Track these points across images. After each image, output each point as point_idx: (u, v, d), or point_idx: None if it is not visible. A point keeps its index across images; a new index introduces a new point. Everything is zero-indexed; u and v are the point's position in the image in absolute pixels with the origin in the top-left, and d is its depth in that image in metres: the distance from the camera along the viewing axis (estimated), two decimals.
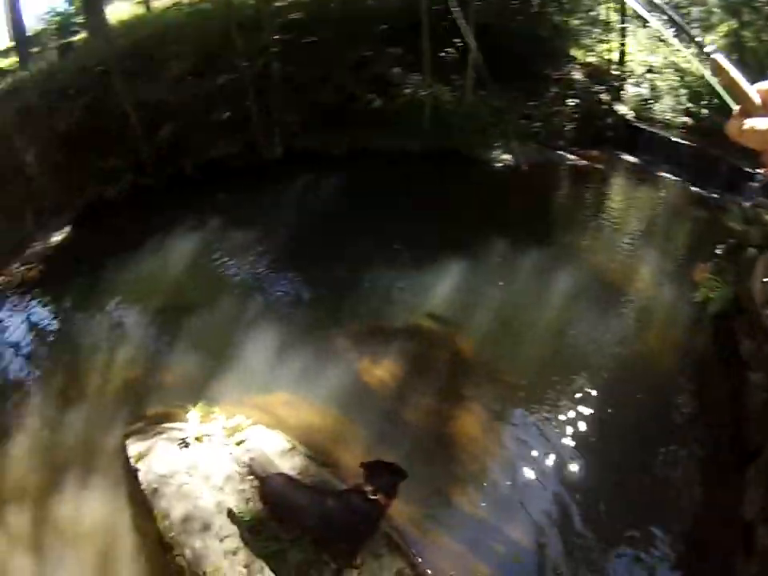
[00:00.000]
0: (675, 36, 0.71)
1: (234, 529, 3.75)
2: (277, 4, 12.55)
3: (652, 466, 4.81)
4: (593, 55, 14.56)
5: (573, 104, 12.93)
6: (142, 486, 4.20)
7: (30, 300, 7.93)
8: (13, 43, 16.36)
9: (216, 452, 4.37)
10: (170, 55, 11.04)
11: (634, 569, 3.91)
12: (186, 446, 4.38)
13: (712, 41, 15.42)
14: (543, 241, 8.17)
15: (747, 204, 7.35)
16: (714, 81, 0.69)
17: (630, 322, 6.64)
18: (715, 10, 14.17)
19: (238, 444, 4.42)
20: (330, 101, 10.85)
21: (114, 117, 10.06)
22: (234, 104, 10.40)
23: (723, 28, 14.36)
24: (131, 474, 4.42)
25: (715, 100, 12.71)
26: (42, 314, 7.67)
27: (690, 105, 13.11)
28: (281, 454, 4.40)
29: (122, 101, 10.04)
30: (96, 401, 5.68)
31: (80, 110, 10.33)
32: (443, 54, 12.16)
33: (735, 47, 13.27)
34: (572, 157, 12.15)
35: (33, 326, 7.40)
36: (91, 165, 9.84)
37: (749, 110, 0.66)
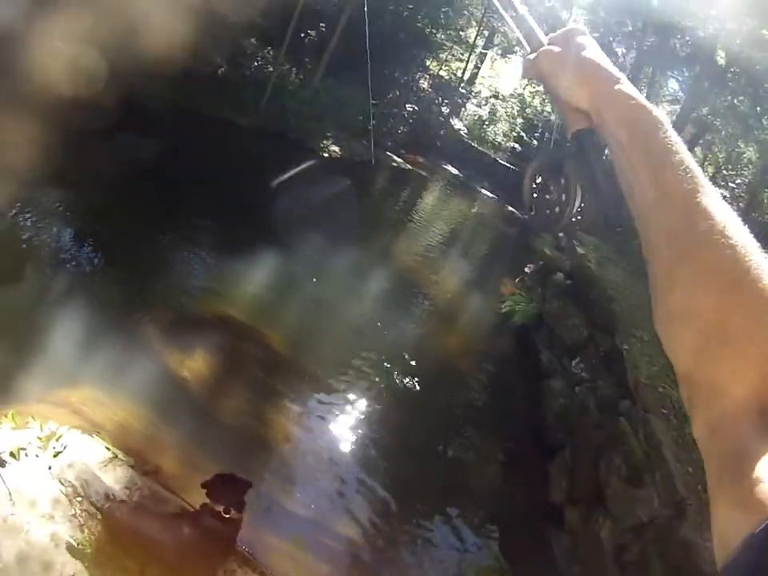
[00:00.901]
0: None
1: (78, 565, 3.23)
2: None
3: (460, 457, 5.32)
4: (446, 70, 15.52)
5: (411, 110, 13.68)
6: None
7: None
8: None
9: (35, 470, 3.65)
10: None
11: (455, 545, 4.33)
12: (3, 466, 3.57)
13: None
14: (359, 237, 8.29)
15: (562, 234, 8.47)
16: (514, 28, 0.74)
17: (436, 325, 7.16)
18: None
19: (55, 456, 3.78)
20: (176, 58, 9.77)
21: None
22: None
23: None
24: None
25: (546, 133, 14.57)
26: None
27: (522, 133, 14.76)
28: (102, 465, 3.87)
29: None
30: None
31: None
32: (304, 34, 11.81)
33: None
34: (398, 159, 12.76)
35: None
36: None
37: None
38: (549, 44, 0.70)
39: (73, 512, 3.64)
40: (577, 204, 0.66)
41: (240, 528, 3.28)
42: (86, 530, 3.46)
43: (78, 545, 3.35)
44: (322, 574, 3.83)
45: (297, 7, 10.51)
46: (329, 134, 11.37)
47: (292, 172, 9.62)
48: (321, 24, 12.08)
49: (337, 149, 11.32)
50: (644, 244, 0.55)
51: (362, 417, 5.09)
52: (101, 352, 4.69)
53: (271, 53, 11.36)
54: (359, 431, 4.93)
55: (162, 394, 4.58)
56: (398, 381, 5.69)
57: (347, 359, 5.75)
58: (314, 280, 6.81)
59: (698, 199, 0.51)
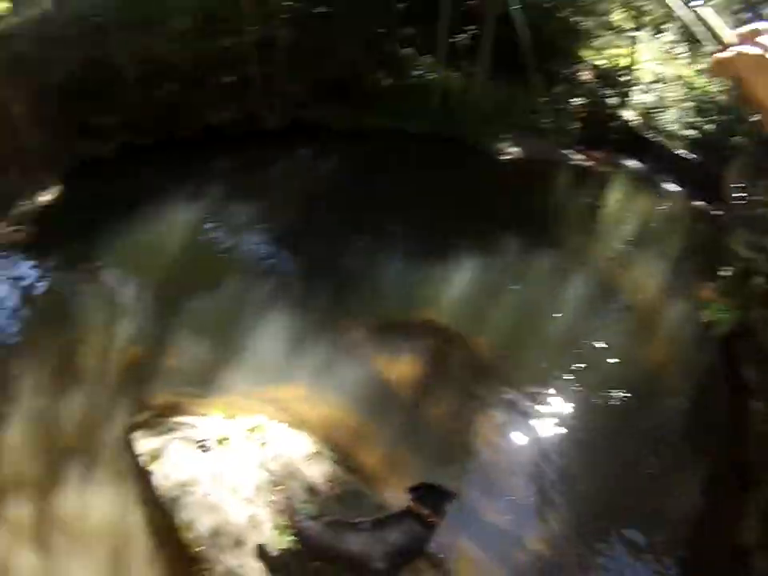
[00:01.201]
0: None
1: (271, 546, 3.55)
2: None
3: (652, 481, 4.85)
4: (602, 58, 14.42)
5: (579, 103, 12.91)
6: (158, 493, 3.91)
7: (19, 265, 7.40)
8: None
9: (240, 457, 4.13)
10: (171, 10, 10.40)
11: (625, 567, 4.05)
12: (207, 450, 4.16)
13: None
14: (551, 241, 8.10)
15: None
16: (700, 26, 0.75)
17: (635, 334, 6.66)
18: None
19: (261, 446, 4.23)
20: (339, 75, 10.49)
21: (110, 72, 9.44)
22: (236, 69, 9.86)
23: None
24: (143, 476, 4.10)
25: (722, 116, 12.89)
26: (30, 280, 7.09)
27: (695, 119, 13.18)
28: (306, 459, 4.19)
29: (118, 55, 9.44)
30: (92, 380, 5.27)
31: (74, 62, 9.66)
32: (455, 39, 11.88)
33: None
34: (577, 156, 12.07)
35: (22, 294, 6.85)
36: (84, 121, 9.22)
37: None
38: (739, 42, 0.69)
39: (273, 498, 3.95)
40: None
41: (435, 533, 3.33)
42: (285, 516, 3.73)
43: (275, 528, 3.64)
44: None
45: (442, 11, 10.62)
46: (502, 136, 11.26)
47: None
48: (471, 26, 12.04)
49: (514, 149, 11.17)
50: None
51: (563, 428, 4.98)
52: (308, 353, 5.11)
53: (428, 60, 11.59)
54: (559, 443, 4.83)
55: (369, 395, 4.84)
56: (598, 392, 5.47)
57: (549, 367, 5.68)
58: (511, 284, 6.80)
59: None
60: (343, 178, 9.00)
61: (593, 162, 11.97)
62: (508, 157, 11.09)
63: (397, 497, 3.93)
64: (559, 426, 5.02)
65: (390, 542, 3.21)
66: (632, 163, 12.53)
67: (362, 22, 10.88)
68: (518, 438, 4.87)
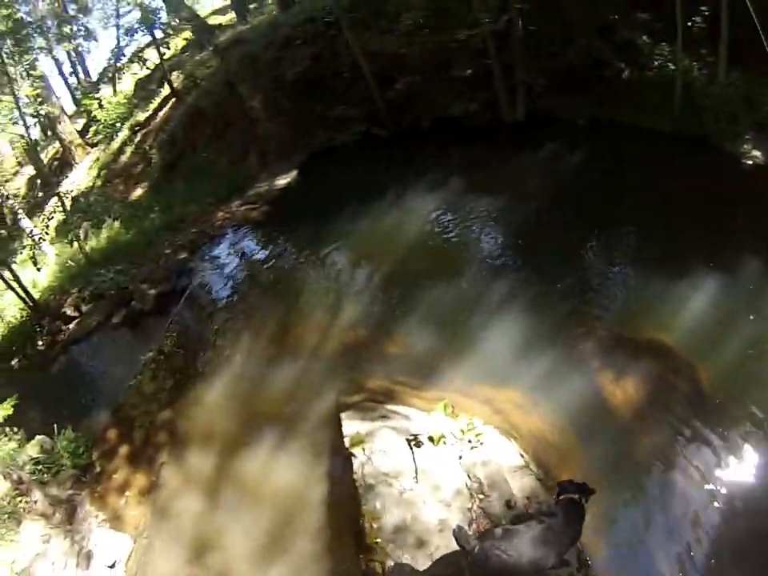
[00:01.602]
0: None
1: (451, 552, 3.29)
2: None
3: None
4: None
5: None
6: (355, 477, 3.77)
7: (251, 240, 8.02)
8: (229, 1, 17.42)
9: (449, 456, 3.83)
10: (399, 6, 10.61)
11: None
12: (418, 446, 3.87)
13: None
14: None
15: None
16: None
17: None
18: None
19: (472, 449, 3.89)
20: (574, 65, 9.72)
21: (343, 67, 9.91)
22: (472, 61, 9.61)
23: None
24: (343, 455, 4.01)
25: None
26: (260, 254, 7.66)
27: None
28: (513, 471, 3.84)
29: (351, 52, 9.80)
30: (308, 354, 5.37)
31: (307, 59, 10.38)
32: (691, 23, 10.25)
33: None
34: None
35: (251, 266, 7.41)
36: (319, 113, 9.77)
37: None
38: None
39: (470, 506, 3.63)
40: None
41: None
42: (474, 527, 3.48)
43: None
44: None
45: None
46: (747, 137, 9.48)
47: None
48: (703, 8, 10.22)
49: (758, 153, 9.33)
50: None
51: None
52: (532, 359, 4.68)
53: (666, 48, 10.17)
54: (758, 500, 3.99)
55: (583, 413, 4.33)
56: None
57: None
58: (754, 314, 5.63)
59: None
60: (581, 176, 8.19)
61: None
62: (752, 162, 9.30)
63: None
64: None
65: (558, 532, 3.18)
66: None
67: (592, 6, 9.95)
68: (720, 485, 4.11)
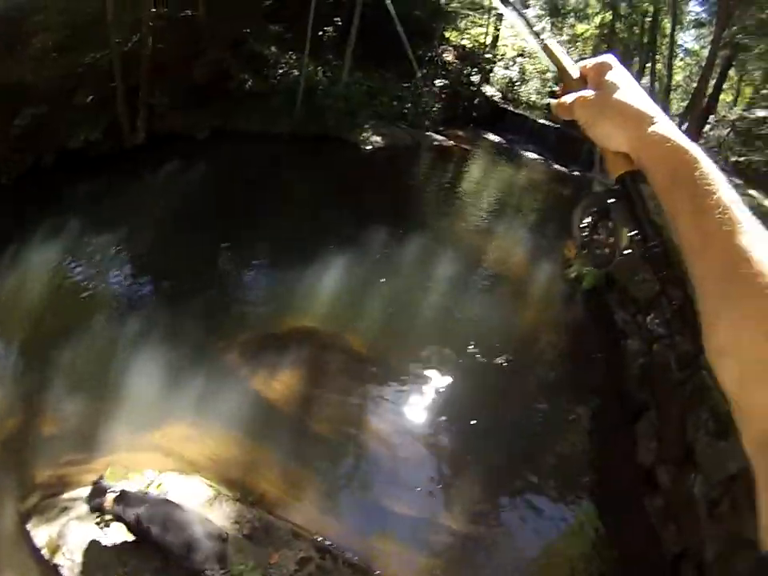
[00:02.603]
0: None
1: None
2: None
3: (547, 427, 5.22)
4: (467, 38, 15.05)
5: (442, 85, 13.31)
6: None
7: None
8: None
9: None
10: (36, 27, 9.25)
11: (549, 515, 4.33)
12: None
13: (587, 30, 16.45)
14: (419, 227, 8.22)
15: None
16: (546, 60, 0.73)
17: (507, 300, 6.99)
18: (592, 1, 15.25)
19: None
20: (200, 80, 10.03)
21: None
22: (98, 85, 8.95)
23: (598, 19, 15.58)
24: (52, 571, 3.52)
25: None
26: None
27: (556, 88, 14.12)
28: (208, 504, 3.87)
29: None
30: None
31: None
32: (322, 32, 11.78)
33: (608, 37, 14.47)
34: (439, 137, 12.47)
35: None
36: None
37: (571, 86, 0.70)
38: (580, 75, 0.69)
39: None
40: (623, 246, 0.66)
41: None
42: None
43: None
44: (418, 564, 3.83)
45: (310, 8, 10.53)
46: (366, 126, 11.38)
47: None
48: (336, 19, 12.03)
49: (378, 138, 11.31)
50: (692, 281, 0.57)
51: (447, 402, 5.10)
52: (183, 387, 4.70)
53: (294, 57, 11.45)
54: (445, 418, 4.94)
55: (253, 417, 4.57)
56: (476, 361, 5.65)
57: (427, 349, 5.74)
58: (383, 275, 6.78)
59: (737, 241, 0.52)
60: (206, 190, 8.49)
61: (455, 142, 12.42)
62: (372, 147, 11.14)
63: (310, 519, 3.87)
64: (443, 402, 5.08)
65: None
66: (494, 138, 13.15)
67: (228, 22, 10.44)
68: (407, 424, 4.84)
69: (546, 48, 0.73)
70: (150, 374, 4.87)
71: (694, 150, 0.58)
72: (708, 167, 0.57)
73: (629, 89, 0.64)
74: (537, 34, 0.75)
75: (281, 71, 11.13)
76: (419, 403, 5.06)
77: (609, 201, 0.66)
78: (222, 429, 4.48)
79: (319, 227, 7.56)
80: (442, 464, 4.57)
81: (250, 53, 10.84)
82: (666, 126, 0.60)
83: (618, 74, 0.65)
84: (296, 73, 11.15)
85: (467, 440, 4.81)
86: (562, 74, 0.72)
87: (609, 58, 0.68)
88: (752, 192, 9.54)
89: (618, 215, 0.66)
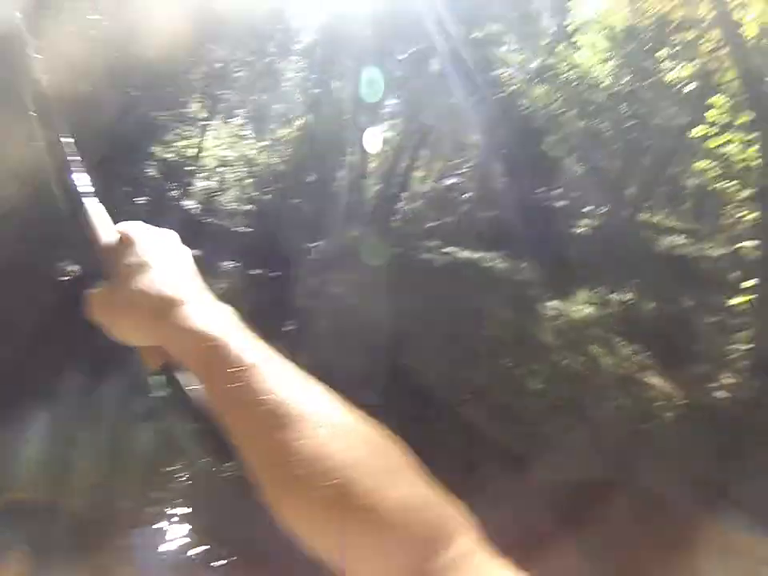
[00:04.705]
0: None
1: None
2: None
3: None
4: (171, 151, 14.71)
5: (143, 202, 13.07)
6: None
7: None
8: None
9: None
10: None
11: None
12: None
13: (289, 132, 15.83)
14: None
15: None
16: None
17: None
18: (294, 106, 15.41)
19: None
20: None
21: None
22: None
23: (299, 122, 15.89)
24: None
25: (277, 185, 14.24)
26: None
27: (254, 193, 14.78)
28: None
29: None
30: None
31: None
32: None
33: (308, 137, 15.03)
34: None
35: None
36: None
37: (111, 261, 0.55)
38: (106, 253, 0.56)
39: None
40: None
41: None
42: None
43: None
44: None
45: None
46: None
47: None
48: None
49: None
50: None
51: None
52: None
53: None
54: None
55: None
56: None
57: None
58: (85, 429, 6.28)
59: (278, 438, 0.47)
60: None
61: None
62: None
63: None
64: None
65: None
66: (194, 252, 13.35)
67: None
68: None
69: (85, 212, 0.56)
70: None
71: (223, 333, 0.52)
72: (238, 348, 0.51)
73: (153, 269, 0.55)
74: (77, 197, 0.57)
75: None
76: None
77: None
78: None
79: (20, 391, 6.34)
80: None
81: None
82: (192, 312, 0.53)
83: (142, 251, 0.56)
84: None
85: None
86: (94, 247, 0.56)
87: (132, 230, 0.58)
88: (447, 249, 11.02)
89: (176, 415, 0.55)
